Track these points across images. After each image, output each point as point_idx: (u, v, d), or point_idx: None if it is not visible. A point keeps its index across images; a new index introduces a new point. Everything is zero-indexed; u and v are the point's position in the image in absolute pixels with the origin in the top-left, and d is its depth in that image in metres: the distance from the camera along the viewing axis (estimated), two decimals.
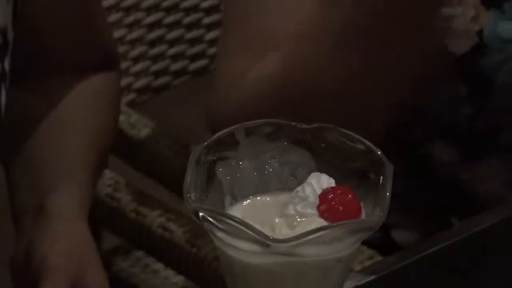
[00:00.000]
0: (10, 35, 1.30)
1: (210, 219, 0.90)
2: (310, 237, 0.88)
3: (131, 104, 1.73)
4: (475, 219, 1.28)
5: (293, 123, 0.98)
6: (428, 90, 1.46)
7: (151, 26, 1.78)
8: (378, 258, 1.39)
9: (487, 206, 1.40)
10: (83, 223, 1.31)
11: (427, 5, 1.32)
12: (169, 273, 1.67)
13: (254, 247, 0.90)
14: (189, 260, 1.43)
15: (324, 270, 0.94)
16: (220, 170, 0.97)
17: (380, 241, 1.45)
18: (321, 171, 0.96)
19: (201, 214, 0.90)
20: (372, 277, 1.15)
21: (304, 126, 0.98)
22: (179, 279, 1.65)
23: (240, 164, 0.97)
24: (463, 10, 1.42)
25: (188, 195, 0.91)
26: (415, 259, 1.19)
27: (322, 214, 0.92)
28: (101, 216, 1.53)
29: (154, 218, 1.47)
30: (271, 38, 1.39)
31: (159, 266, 1.68)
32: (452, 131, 1.44)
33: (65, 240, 1.26)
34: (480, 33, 1.42)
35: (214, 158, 0.96)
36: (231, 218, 0.90)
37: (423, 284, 1.17)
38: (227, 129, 0.99)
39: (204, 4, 1.81)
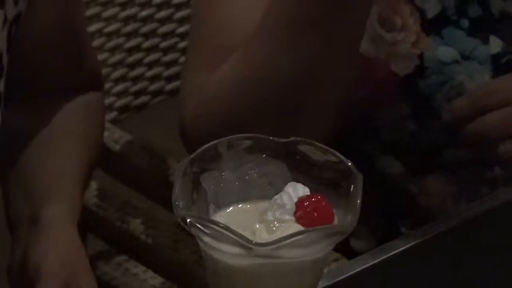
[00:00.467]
0: (5, 60, 1.29)
1: (197, 224, 0.90)
2: (288, 241, 0.89)
3: (114, 121, 1.74)
4: (423, 229, 1.29)
5: (271, 138, 0.98)
6: (375, 108, 1.47)
7: (130, 50, 1.80)
8: (344, 260, 1.40)
9: (433, 216, 1.41)
10: (73, 231, 1.30)
11: None
12: (148, 275, 1.67)
13: (237, 250, 0.91)
14: (170, 263, 1.45)
15: (301, 271, 0.95)
16: (204, 180, 0.97)
17: (341, 248, 1.46)
18: (297, 181, 0.96)
19: (188, 220, 0.91)
20: (339, 278, 1.16)
21: (281, 140, 0.98)
22: (156, 281, 1.65)
23: (223, 175, 0.97)
24: (405, 35, 1.43)
25: (176, 203, 0.92)
26: (372, 264, 1.21)
27: (298, 220, 0.92)
28: (88, 224, 1.52)
29: (137, 225, 1.48)
30: (226, 46, 1.37)
31: (138, 270, 1.68)
32: (398, 147, 1.44)
33: (57, 247, 1.26)
34: (421, 56, 1.43)
35: (199, 170, 0.96)
36: (216, 223, 0.90)
37: (382, 285, 1.19)
38: (211, 143, 0.98)
39: (180, 30, 1.84)
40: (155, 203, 1.64)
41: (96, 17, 1.74)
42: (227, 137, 0.97)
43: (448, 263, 1.22)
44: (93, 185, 1.55)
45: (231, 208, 0.97)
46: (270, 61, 1.29)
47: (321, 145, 0.99)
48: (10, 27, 1.27)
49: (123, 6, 1.78)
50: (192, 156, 0.96)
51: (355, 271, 1.19)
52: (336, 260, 1.41)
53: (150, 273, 1.64)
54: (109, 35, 1.80)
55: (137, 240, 1.47)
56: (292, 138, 0.98)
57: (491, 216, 1.30)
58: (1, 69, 1.27)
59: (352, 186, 0.95)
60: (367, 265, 1.20)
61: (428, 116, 1.44)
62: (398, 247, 1.22)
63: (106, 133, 1.49)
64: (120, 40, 1.81)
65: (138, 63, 1.83)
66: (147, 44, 1.82)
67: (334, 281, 1.15)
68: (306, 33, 1.27)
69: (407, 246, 1.23)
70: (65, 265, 1.25)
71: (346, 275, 1.17)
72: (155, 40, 1.84)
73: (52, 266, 1.23)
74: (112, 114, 1.76)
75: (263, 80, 1.26)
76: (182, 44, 1.87)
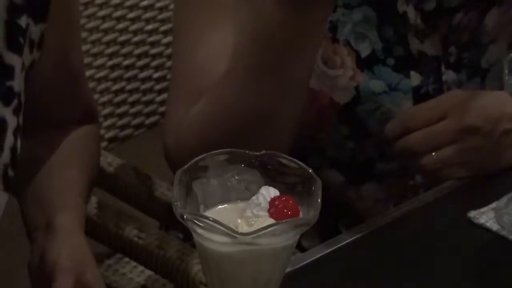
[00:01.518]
0: (23, 98, 1.28)
1: (193, 219, 0.92)
2: (265, 231, 0.91)
3: (106, 149, 1.75)
4: (359, 227, 1.30)
5: (247, 151, 0.99)
6: (321, 130, 1.46)
7: (117, 92, 1.84)
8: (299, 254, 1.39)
9: (367, 217, 1.41)
10: (81, 235, 1.30)
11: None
12: (134, 274, 1.67)
13: (225, 239, 0.92)
14: (158, 260, 1.44)
15: (275, 256, 0.96)
16: (195, 186, 0.98)
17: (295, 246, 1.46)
18: (268, 185, 0.98)
19: (185, 216, 0.92)
20: (302, 264, 1.18)
21: (254, 153, 0.99)
22: (142, 278, 1.66)
23: (210, 182, 0.99)
24: (344, 71, 1.42)
25: (175, 203, 0.93)
26: (325, 253, 1.22)
27: (271, 215, 0.94)
28: (89, 230, 1.50)
29: (130, 230, 1.48)
30: (202, 84, 1.34)
31: (126, 270, 1.68)
32: (340, 161, 1.44)
33: (69, 248, 1.26)
34: (357, 88, 1.42)
35: (190, 178, 0.97)
36: (208, 218, 0.91)
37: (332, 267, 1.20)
38: (199, 157, 0.99)
39: (155, 75, 1.88)
40: (143, 213, 1.67)
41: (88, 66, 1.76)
42: (211, 152, 0.98)
43: (380, 254, 1.24)
44: (93, 199, 1.55)
45: (217, 207, 0.97)
46: (236, 102, 1.28)
47: (287, 156, 1.00)
48: (26, 72, 1.26)
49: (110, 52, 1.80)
50: (185, 167, 0.97)
51: (313, 258, 1.21)
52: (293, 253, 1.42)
53: (140, 268, 1.64)
54: (99, 80, 1.83)
55: (130, 242, 1.48)
56: (263, 152, 0.99)
57: (414, 215, 1.31)
58: (20, 105, 1.26)
59: (313, 187, 0.96)
60: (322, 253, 1.21)
61: (363, 136, 1.44)
62: (341, 241, 1.24)
63: (101, 158, 1.50)
64: (108, 83, 1.83)
65: (123, 102, 1.87)
66: (129, 87, 1.85)
67: (298, 266, 1.18)
68: (267, 78, 1.26)
69: (348, 240, 1.25)
70: (76, 262, 1.24)
71: (307, 261, 1.19)
72: (135, 84, 1.86)
73: (65, 263, 1.22)
74: (104, 143, 1.80)
75: (231, 117, 1.25)
76: (158, 87, 1.91)
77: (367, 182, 1.47)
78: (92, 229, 1.52)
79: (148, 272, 1.59)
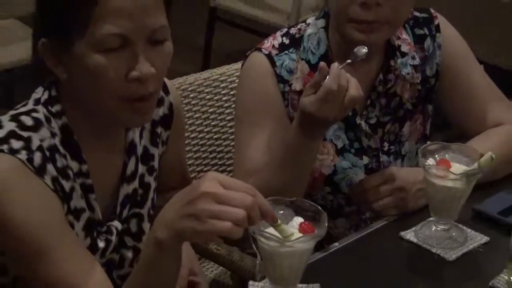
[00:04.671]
0: (158, 172, 1.21)
1: (261, 233, 0.94)
2: (297, 240, 0.95)
3: None
4: (333, 245, 1.25)
5: (286, 198, 1.00)
6: (314, 190, 1.37)
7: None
8: None
9: (339, 238, 1.30)
10: (187, 243, 1.20)
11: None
12: (213, 269, 1.56)
13: (276, 244, 0.95)
14: (227, 260, 1.36)
15: (301, 254, 0.99)
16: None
17: None
18: (297, 215, 1.00)
19: (255, 231, 0.94)
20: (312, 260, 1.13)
21: (289, 199, 1.00)
22: (217, 271, 1.55)
23: None
24: (328, 156, 1.36)
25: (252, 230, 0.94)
26: (321, 256, 1.19)
27: (300, 231, 0.97)
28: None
29: (212, 244, 1.37)
30: (250, 167, 1.28)
31: (208, 266, 1.56)
32: (323, 206, 1.12)
33: (184, 251, 1.04)
34: (335, 165, 1.35)
35: None
36: (269, 232, 0.94)
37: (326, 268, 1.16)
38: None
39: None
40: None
41: None
42: (269, 198, 0.93)
43: (347, 259, 1.20)
44: None
45: (270, 228, 0.94)
46: (271, 180, 1.22)
47: (308, 200, 1.02)
48: (159, 158, 1.22)
49: None
50: None
51: (313, 259, 1.17)
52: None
53: (216, 266, 1.54)
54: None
55: (211, 251, 1.38)
56: (294, 198, 1.01)
57: (367, 236, 1.27)
58: (157, 175, 1.21)
59: (321, 217, 0.99)
60: (317, 257, 1.19)
61: (337, 193, 1.37)
62: (326, 252, 1.22)
63: None
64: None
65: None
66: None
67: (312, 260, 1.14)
68: (287, 168, 1.23)
69: (328, 252, 1.22)
70: (188, 259, 1.20)
71: (311, 260, 1.14)
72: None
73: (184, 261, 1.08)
74: None
75: (270, 187, 1.15)
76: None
77: (339, 218, 1.40)
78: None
79: (220, 268, 1.53)
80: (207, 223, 0.85)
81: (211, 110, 1.54)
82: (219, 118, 1.56)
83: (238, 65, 1.51)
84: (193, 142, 1.52)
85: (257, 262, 1.05)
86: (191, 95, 1.49)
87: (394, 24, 1.29)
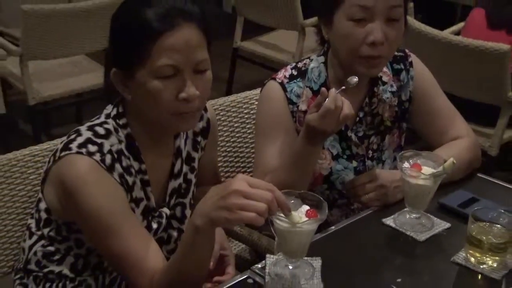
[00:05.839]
0: (198, 171, 1.19)
1: (277, 218, 0.94)
2: (305, 222, 0.95)
3: None
4: (329, 228, 1.21)
5: (295, 191, 0.99)
6: (315, 186, 1.33)
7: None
8: None
9: (334, 223, 1.25)
10: (218, 229, 1.16)
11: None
12: (236, 246, 1.50)
13: (288, 225, 0.94)
14: (249, 239, 1.34)
15: (308, 233, 0.98)
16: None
17: None
18: (304, 204, 0.99)
19: (273, 217, 0.94)
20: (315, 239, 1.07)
21: (297, 192, 0.99)
22: (240, 248, 1.49)
23: None
24: (325, 161, 1.33)
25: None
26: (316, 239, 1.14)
27: (307, 216, 0.97)
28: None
29: (236, 228, 1.34)
30: (266, 168, 1.25)
31: (232, 244, 1.47)
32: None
33: (217, 234, 1.09)
34: (331, 168, 1.33)
35: None
36: (282, 217, 0.93)
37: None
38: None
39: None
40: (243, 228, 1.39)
41: None
42: (282, 191, 0.91)
43: (340, 241, 1.17)
44: None
45: (281, 214, 0.93)
46: (285, 179, 1.18)
47: (312, 193, 1.01)
48: (198, 160, 1.21)
49: None
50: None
51: (317, 238, 1.15)
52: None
53: (239, 243, 1.49)
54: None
55: (235, 231, 1.35)
56: (301, 191, 1.01)
57: (356, 223, 1.24)
58: (196, 174, 1.21)
59: (322, 206, 0.98)
60: (317, 237, 1.15)
61: (333, 189, 1.35)
62: (325, 233, 1.19)
63: None
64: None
65: None
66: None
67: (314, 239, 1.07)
68: (296, 169, 1.20)
69: (326, 234, 1.19)
70: (220, 239, 1.17)
71: (315, 239, 1.11)
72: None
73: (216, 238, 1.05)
74: None
75: (283, 183, 1.11)
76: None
77: (334, 208, 1.37)
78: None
79: (243, 245, 1.49)
80: (237, 214, 0.86)
81: (236, 125, 1.55)
82: (242, 131, 1.56)
83: (257, 91, 1.50)
84: (222, 149, 1.52)
85: (275, 241, 1.04)
86: (221, 113, 1.50)
87: (388, 59, 1.28)
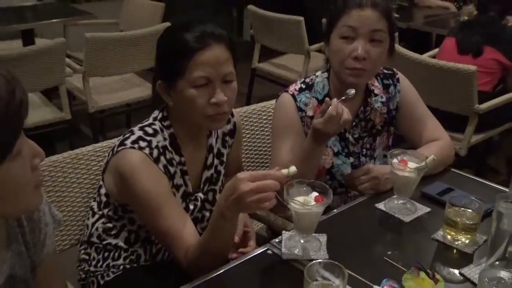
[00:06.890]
0: (226, 164, 1.16)
1: (292, 201, 0.94)
2: (314, 205, 0.94)
3: None
4: (331, 211, 1.17)
5: (306, 180, 0.97)
6: (319, 178, 1.29)
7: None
8: None
9: (334, 208, 1.21)
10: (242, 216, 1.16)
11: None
12: (256, 225, 1.44)
13: (301, 207, 0.94)
14: (267, 219, 1.30)
15: (317, 214, 0.97)
16: (290, 194, 0.96)
17: None
18: (313, 191, 0.99)
19: (289, 199, 0.94)
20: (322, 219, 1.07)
21: (307, 180, 0.98)
22: (259, 226, 1.44)
23: (294, 189, 0.97)
24: (327, 157, 1.29)
25: (285, 196, 0.93)
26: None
27: (315, 201, 0.96)
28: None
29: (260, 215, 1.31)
30: (280, 162, 1.20)
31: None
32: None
33: (241, 215, 1.12)
34: (332, 163, 1.30)
35: (287, 187, 0.94)
36: (298, 200, 0.94)
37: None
38: (291, 181, 0.93)
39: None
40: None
41: None
42: (295, 180, 0.94)
43: (340, 222, 1.13)
44: None
45: (297, 197, 0.96)
46: (297, 170, 1.06)
47: (320, 182, 1.00)
48: (226, 156, 1.17)
49: None
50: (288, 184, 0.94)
51: (323, 219, 1.12)
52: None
53: (258, 223, 1.43)
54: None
55: (256, 213, 1.32)
56: (311, 180, 1.00)
57: (353, 207, 1.21)
58: (225, 166, 1.19)
59: (328, 192, 0.97)
60: (324, 218, 1.13)
61: (334, 179, 1.32)
62: (328, 215, 1.15)
63: None
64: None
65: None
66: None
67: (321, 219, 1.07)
68: (306, 163, 1.16)
69: (328, 216, 1.15)
70: (243, 218, 1.18)
71: (321, 219, 1.08)
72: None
73: (240, 217, 1.11)
74: None
75: (296, 174, 0.94)
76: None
77: (335, 196, 1.32)
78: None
79: (261, 224, 1.45)
80: (257, 208, 0.87)
81: (256, 128, 1.54)
82: (261, 133, 1.55)
83: (273, 101, 1.47)
84: (245, 147, 1.51)
85: (293, 218, 1.01)
86: (244, 119, 1.50)
87: (372, 72, 1.26)
